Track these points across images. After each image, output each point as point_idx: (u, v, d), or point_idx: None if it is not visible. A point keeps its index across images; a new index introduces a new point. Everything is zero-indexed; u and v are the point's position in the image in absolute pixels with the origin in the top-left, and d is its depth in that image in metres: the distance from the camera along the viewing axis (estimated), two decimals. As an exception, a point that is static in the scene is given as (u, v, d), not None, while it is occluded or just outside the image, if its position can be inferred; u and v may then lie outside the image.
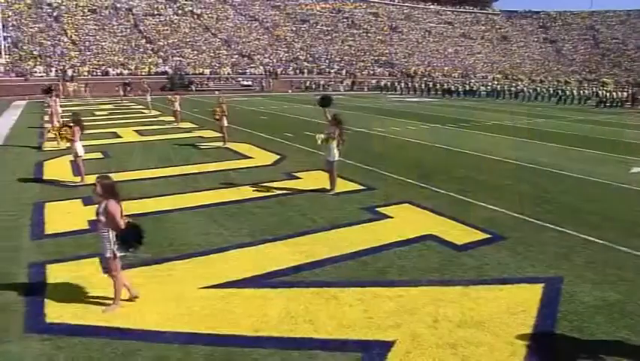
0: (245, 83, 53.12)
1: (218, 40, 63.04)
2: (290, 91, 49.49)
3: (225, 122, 15.88)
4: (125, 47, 55.01)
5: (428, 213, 8.71)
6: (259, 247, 7.25)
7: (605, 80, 57.46)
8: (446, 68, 72.08)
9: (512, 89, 46.34)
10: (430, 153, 14.99)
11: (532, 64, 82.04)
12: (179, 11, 67.15)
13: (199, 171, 12.17)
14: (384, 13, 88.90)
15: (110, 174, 5.79)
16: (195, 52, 58.25)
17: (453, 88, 47.22)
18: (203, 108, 27.12)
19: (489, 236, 7.60)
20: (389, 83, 52.19)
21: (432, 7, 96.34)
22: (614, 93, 39.51)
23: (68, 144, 11.47)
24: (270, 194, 10.01)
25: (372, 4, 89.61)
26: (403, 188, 10.50)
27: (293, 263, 6.61)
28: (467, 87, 48.56)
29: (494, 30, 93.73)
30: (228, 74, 55.19)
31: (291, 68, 59.97)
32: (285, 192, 10.13)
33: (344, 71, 62.23)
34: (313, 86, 51.86)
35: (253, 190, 10.28)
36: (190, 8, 68.08)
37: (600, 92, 40.04)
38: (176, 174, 11.98)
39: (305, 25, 75.38)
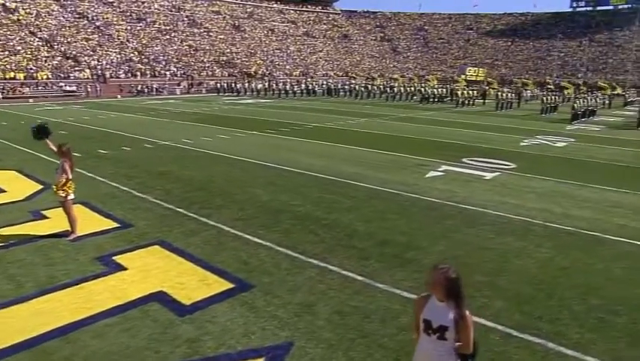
0: (68, 88, 47.72)
1: (37, 39, 56.13)
2: (119, 96, 45.40)
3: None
4: None
5: (175, 258, 7.21)
6: None
7: (428, 77, 61.58)
8: (288, 67, 72.23)
9: (346, 87, 47.27)
10: (224, 170, 13.35)
11: (371, 61, 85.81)
12: (-12, 5, 58.70)
13: None
14: (226, 12, 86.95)
15: None
16: (7, 53, 51.08)
17: (288, 87, 46.76)
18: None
19: (232, 286, 6.31)
20: (226, 85, 50.27)
21: (275, 5, 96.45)
22: (435, 90, 41.95)
23: None
24: (-10, 245, 7.80)
25: (214, 2, 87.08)
26: (167, 221, 8.89)
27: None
28: (303, 86, 48.48)
29: (335, 29, 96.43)
30: (47, 78, 49.23)
31: (122, 70, 55.43)
32: (12, 241, 7.96)
33: (181, 73, 59.09)
34: (145, 90, 48.22)
35: (-29, 241, 7.96)
36: (2, 1, 59.81)
37: (422, 89, 42.22)
38: None
39: (141, 24, 70.56)
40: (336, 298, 6.01)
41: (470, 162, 14.92)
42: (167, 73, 57.79)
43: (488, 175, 13.12)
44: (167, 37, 69.72)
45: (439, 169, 13.62)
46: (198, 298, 5.96)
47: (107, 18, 67.93)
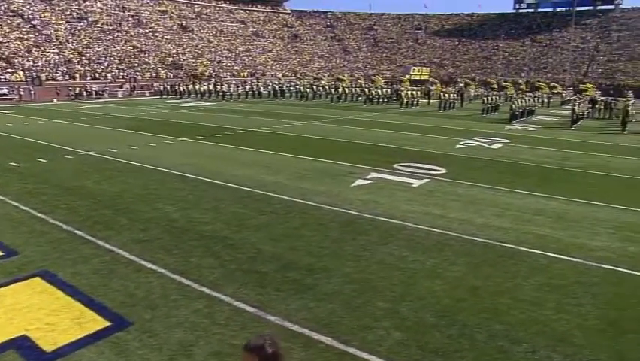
0: (-1, 91, 45.23)
1: (-36, 40, 53.08)
2: (55, 100, 43.33)
3: None
4: None
5: (54, 293, 6.49)
6: None
7: (373, 77, 61.74)
8: (236, 68, 71.09)
9: (292, 88, 46.69)
10: (140, 183, 12.40)
11: (320, 61, 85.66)
12: None
13: None
14: (173, 11, 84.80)
15: None
16: None
17: (233, 89, 45.68)
18: None
19: (108, 325, 5.68)
20: (169, 87, 48.76)
21: (224, 5, 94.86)
22: (380, 90, 41.97)
23: None
24: None
25: (160, 1, 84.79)
26: (60, 247, 8.11)
27: None
28: (248, 88, 47.48)
29: (285, 29, 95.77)
30: (-26, 81, 46.52)
31: (60, 72, 53.00)
32: None
33: (124, 75, 57.06)
34: (84, 93, 46.25)
35: None
36: None
37: (366, 90, 42.12)
38: None
39: (82, 23, 67.80)
40: (219, 335, 5.48)
41: (401, 167, 14.68)
42: (109, 75, 55.71)
43: (416, 182, 12.87)
44: (110, 37, 67.29)
45: (367, 177, 13.28)
46: (64, 343, 5.31)
47: (45, 17, 64.93)
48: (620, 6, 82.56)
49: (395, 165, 14.92)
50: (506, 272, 7.36)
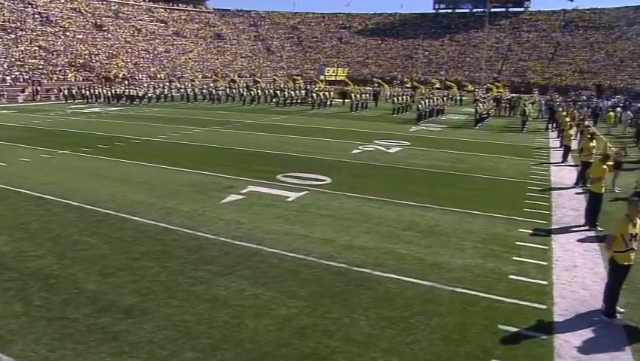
0: None
1: None
2: (-58, 106, 39.84)
3: None
4: None
5: None
6: None
7: (287, 78, 61.30)
8: (153, 69, 68.46)
9: (204, 90, 45.24)
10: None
11: (244, 61, 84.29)
12: None
13: None
14: (87, 9, 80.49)
15: None
16: None
17: (142, 93, 43.56)
18: None
19: None
20: (74, 91, 45.92)
21: (143, 4, 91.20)
22: (293, 91, 41.48)
23: None
24: None
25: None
26: None
27: None
28: (159, 91, 45.44)
29: (208, 28, 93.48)
30: None
31: (-50, 76, 48.84)
32: None
33: (26, 77, 53.31)
34: (-22, 98, 42.82)
35: None
36: None
37: (279, 92, 41.48)
38: None
39: (-21, 20, 62.92)
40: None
41: (284, 179, 14.14)
42: (8, 78, 51.85)
43: (293, 196, 12.34)
44: (12, 35, 62.81)
45: (243, 191, 12.62)
46: None
47: None
48: (529, 9, 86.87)
49: (278, 176, 14.34)
50: (346, 305, 6.78)
